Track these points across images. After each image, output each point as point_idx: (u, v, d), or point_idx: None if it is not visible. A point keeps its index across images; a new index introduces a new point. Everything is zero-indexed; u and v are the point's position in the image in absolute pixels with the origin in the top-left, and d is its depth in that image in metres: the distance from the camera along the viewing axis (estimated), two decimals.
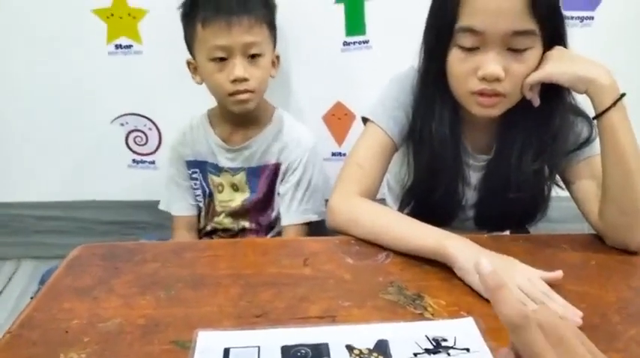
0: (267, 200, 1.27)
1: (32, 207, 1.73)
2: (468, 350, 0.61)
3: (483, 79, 0.82)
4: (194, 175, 1.31)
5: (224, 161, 1.26)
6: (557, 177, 0.96)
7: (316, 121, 1.53)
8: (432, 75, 0.90)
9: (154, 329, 0.65)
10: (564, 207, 0.98)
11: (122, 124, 1.58)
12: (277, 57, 1.24)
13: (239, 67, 1.11)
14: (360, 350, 0.60)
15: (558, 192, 0.99)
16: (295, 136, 1.25)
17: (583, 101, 0.89)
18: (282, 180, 1.25)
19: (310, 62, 1.46)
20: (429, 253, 0.79)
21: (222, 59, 1.11)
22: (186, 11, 1.17)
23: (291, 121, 1.28)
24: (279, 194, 1.26)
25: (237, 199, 1.28)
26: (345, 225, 0.88)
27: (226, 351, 0.60)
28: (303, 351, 0.60)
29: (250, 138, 1.24)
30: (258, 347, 0.61)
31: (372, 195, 0.93)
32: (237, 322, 0.67)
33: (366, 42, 1.42)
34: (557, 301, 0.69)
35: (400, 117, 0.96)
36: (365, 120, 1.00)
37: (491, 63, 0.81)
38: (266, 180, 1.26)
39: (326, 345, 0.61)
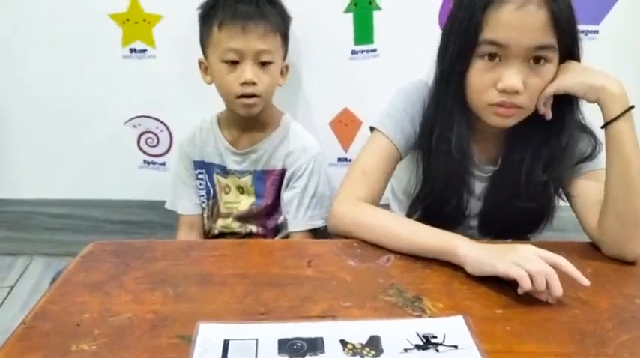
0: (274, 205, 1.29)
1: (45, 204, 1.78)
2: (456, 346, 0.63)
3: (503, 91, 0.85)
4: (200, 176, 1.33)
5: (231, 163, 1.28)
6: None
7: (323, 127, 1.56)
8: (451, 87, 0.92)
9: (162, 323, 0.68)
10: (564, 217, 1.00)
11: (134, 126, 1.62)
12: (286, 67, 1.27)
13: (249, 71, 1.14)
14: (354, 345, 0.63)
15: (558, 202, 1.01)
16: (301, 143, 1.26)
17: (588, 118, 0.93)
18: (286, 186, 1.27)
19: (319, 69, 1.49)
20: (437, 251, 0.82)
21: (233, 62, 1.15)
22: (204, 12, 1.20)
23: (298, 128, 1.30)
24: (282, 200, 1.28)
25: (244, 202, 1.29)
26: (347, 229, 0.91)
27: (226, 342, 0.63)
28: (299, 344, 0.63)
29: (257, 143, 1.26)
30: (257, 340, 0.64)
31: (375, 202, 0.96)
32: (241, 318, 0.69)
33: (374, 51, 1.45)
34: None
35: (407, 128, 0.98)
36: (372, 129, 1.02)
37: (513, 76, 0.84)
38: (272, 185, 1.28)
39: (321, 339, 0.64)
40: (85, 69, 1.56)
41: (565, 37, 0.84)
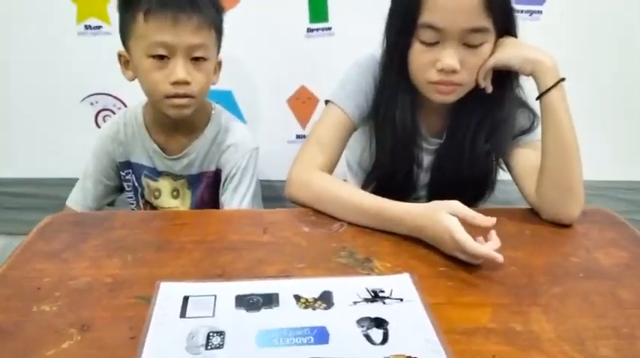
0: (211, 207, 1.20)
1: (4, 183, 1.76)
2: (401, 299, 0.68)
3: (441, 70, 0.90)
4: (127, 176, 1.22)
5: (162, 167, 1.18)
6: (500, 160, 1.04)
7: (281, 105, 1.58)
8: (395, 65, 0.96)
9: (120, 286, 0.71)
10: (510, 191, 1.05)
11: (92, 104, 1.62)
12: (219, 63, 1.14)
13: (181, 69, 1.00)
14: (307, 299, 0.67)
15: (503, 177, 1.07)
16: (233, 141, 1.17)
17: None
18: (222, 187, 1.18)
19: (275, 47, 1.51)
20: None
21: (162, 57, 1.00)
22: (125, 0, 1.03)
23: (231, 123, 1.20)
24: (221, 202, 1.19)
25: (179, 206, 1.21)
26: (302, 195, 0.94)
27: (185, 299, 0.66)
28: (255, 299, 0.67)
29: (187, 146, 1.16)
30: (215, 296, 0.67)
31: (331, 171, 1.00)
32: (199, 279, 0.72)
33: (329, 29, 1.48)
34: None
35: (360, 100, 1.02)
36: (327, 102, 1.05)
37: (449, 57, 0.88)
38: (208, 186, 1.20)
39: (276, 295, 0.68)
40: (41, 47, 1.55)
41: (500, 17, 0.89)
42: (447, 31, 0.87)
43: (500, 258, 0.75)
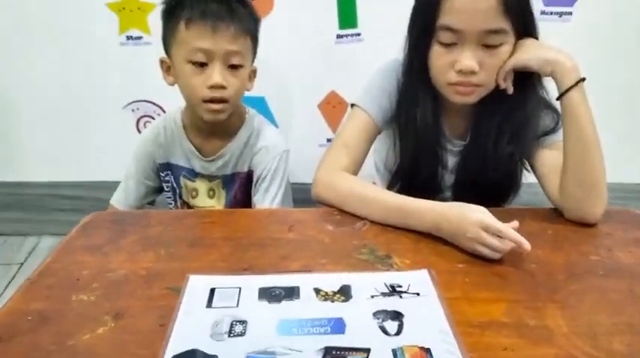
0: (245, 206, 1.26)
1: (52, 186, 1.86)
2: (418, 294, 0.70)
3: (460, 71, 0.92)
4: (166, 178, 1.28)
5: (199, 168, 1.25)
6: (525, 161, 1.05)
7: (312, 109, 1.63)
8: (416, 67, 0.99)
9: (153, 278, 0.75)
10: (535, 193, 1.06)
11: (133, 110, 1.70)
12: (254, 71, 1.20)
13: (218, 74, 1.07)
14: (326, 292, 0.70)
15: (529, 178, 1.07)
16: (264, 144, 1.22)
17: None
18: (255, 188, 1.24)
19: (306, 54, 1.55)
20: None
21: (201, 64, 1.08)
22: (169, 8, 1.11)
23: (263, 126, 1.25)
24: (253, 203, 1.24)
25: (214, 206, 1.27)
26: (328, 195, 0.97)
27: (212, 291, 0.71)
28: (277, 291, 0.70)
29: (222, 149, 1.22)
30: (239, 288, 0.71)
31: (355, 171, 1.03)
32: (226, 273, 0.76)
33: (358, 35, 1.52)
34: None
35: (384, 103, 1.05)
36: (352, 106, 1.08)
37: (467, 58, 0.91)
38: (241, 187, 1.25)
39: (297, 288, 0.71)
40: (86, 57, 1.65)
41: (518, 19, 0.90)
42: (465, 33, 0.89)
43: (527, 244, 0.76)
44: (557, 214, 0.96)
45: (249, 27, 1.11)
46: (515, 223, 0.80)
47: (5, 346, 0.62)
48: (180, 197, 1.29)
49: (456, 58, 0.91)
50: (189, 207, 1.29)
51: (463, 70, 0.91)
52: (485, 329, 0.65)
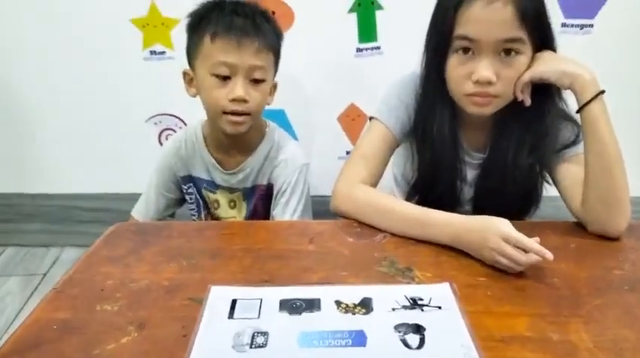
0: (264, 218, 1.28)
1: (77, 198, 1.89)
2: (439, 307, 0.70)
3: (477, 82, 0.92)
4: (189, 190, 1.30)
5: (220, 181, 1.26)
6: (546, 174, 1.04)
7: (332, 122, 1.64)
8: (433, 79, 1.00)
9: (176, 288, 0.76)
10: (558, 206, 1.04)
11: (155, 123, 1.73)
12: (275, 85, 1.21)
13: (240, 88, 1.08)
14: (347, 305, 0.70)
15: (550, 192, 1.06)
16: (284, 157, 1.23)
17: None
18: (274, 201, 1.25)
19: (326, 67, 1.57)
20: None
21: (225, 78, 1.09)
22: (194, 22, 1.13)
23: (283, 140, 1.27)
24: (272, 216, 1.26)
25: (236, 216, 1.29)
26: (346, 208, 0.98)
27: (233, 301, 0.71)
28: (298, 303, 0.70)
29: (242, 162, 1.23)
30: (261, 300, 0.71)
31: (373, 183, 1.03)
32: (247, 285, 0.77)
33: (378, 48, 1.53)
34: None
35: (402, 116, 1.05)
36: (371, 119, 1.09)
37: (484, 68, 0.91)
38: (260, 199, 1.27)
39: (318, 300, 0.71)
40: (110, 71, 1.67)
41: (535, 29, 0.90)
42: (482, 43, 0.89)
43: (549, 253, 0.76)
44: (580, 228, 0.95)
45: (273, 42, 1.13)
46: (537, 239, 0.79)
47: (31, 354, 0.63)
48: (206, 208, 1.31)
49: (473, 68, 0.91)
50: (214, 218, 1.31)
51: (480, 80, 0.91)
52: (508, 344, 0.64)
